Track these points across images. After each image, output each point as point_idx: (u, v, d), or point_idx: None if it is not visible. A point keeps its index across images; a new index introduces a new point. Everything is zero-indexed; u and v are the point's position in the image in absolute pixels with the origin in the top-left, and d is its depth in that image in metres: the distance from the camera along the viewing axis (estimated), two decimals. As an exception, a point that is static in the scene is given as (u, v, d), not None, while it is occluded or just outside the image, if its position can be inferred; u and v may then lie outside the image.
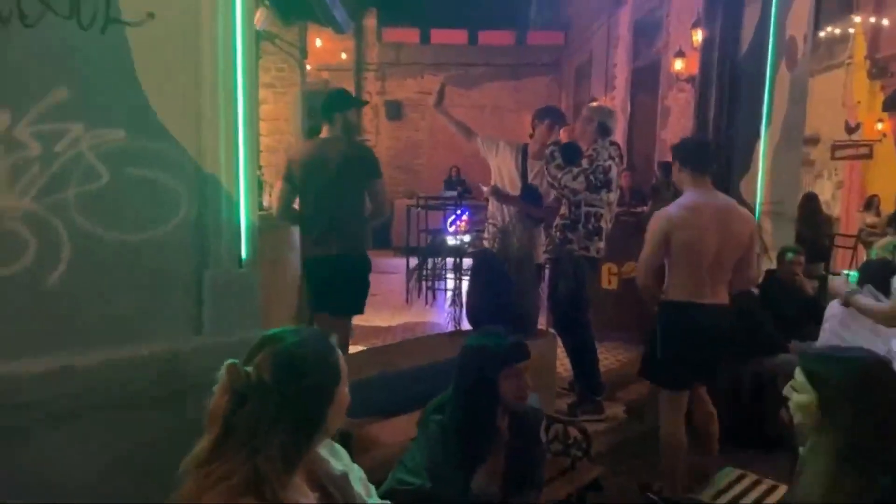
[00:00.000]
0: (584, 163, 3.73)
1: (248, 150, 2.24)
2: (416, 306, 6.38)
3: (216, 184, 2.16)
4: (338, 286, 3.39)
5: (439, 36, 12.89)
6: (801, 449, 1.62)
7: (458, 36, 12.91)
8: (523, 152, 4.13)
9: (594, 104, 4.12)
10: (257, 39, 6.69)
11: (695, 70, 5.81)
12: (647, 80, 8.61)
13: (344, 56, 12.01)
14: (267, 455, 1.20)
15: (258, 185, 4.10)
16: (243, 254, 2.23)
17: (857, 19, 10.41)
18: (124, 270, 2.06)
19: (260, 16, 6.04)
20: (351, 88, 12.34)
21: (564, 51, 13.15)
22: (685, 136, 6.31)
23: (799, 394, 1.49)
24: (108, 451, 1.97)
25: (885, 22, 9.88)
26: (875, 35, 10.29)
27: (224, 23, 2.13)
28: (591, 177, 3.70)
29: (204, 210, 2.15)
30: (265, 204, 4.41)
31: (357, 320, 5.54)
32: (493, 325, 2.21)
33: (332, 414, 1.29)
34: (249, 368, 1.22)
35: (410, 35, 12.81)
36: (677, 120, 7.54)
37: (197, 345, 2.13)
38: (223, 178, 2.17)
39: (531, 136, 4.17)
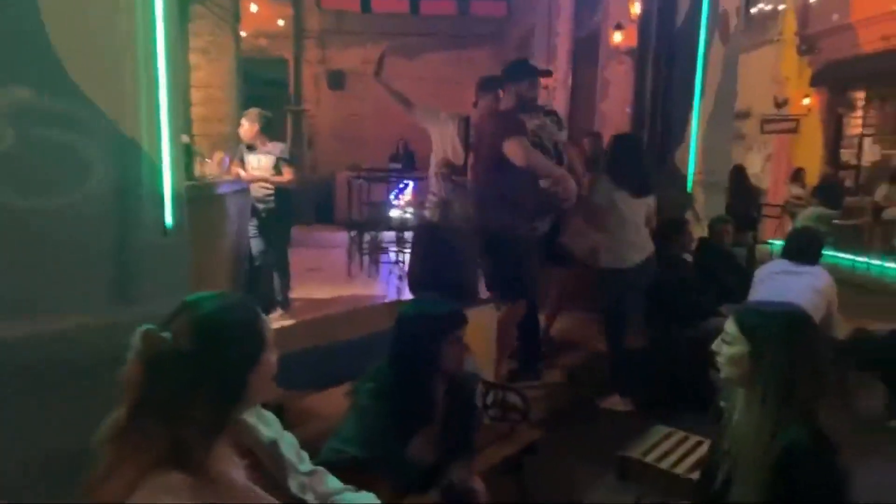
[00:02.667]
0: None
1: (172, 114, 2.14)
2: (358, 279, 6.34)
3: (136, 148, 2.05)
4: None
5: (381, 4, 12.60)
6: (722, 403, 1.69)
7: (400, 4, 12.67)
8: (466, 123, 4.12)
9: None
10: (186, 1, 6.36)
11: (633, 42, 5.88)
12: (588, 51, 8.67)
13: (282, 23, 11.60)
14: (188, 424, 1.16)
15: (189, 154, 3.95)
16: (168, 221, 2.14)
17: (787, -4, 10.78)
18: (39, 238, 1.94)
19: (189, -24, 5.74)
20: (289, 56, 11.96)
21: (507, 21, 13.09)
22: (624, 108, 6.41)
23: (730, 346, 1.56)
24: (25, 428, 1.87)
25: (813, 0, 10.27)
26: (804, 12, 10.68)
27: (140, -25, 2.00)
28: None
29: (124, 175, 2.05)
30: (196, 174, 4.25)
31: (297, 294, 5.49)
32: (428, 294, 2.20)
33: (255, 381, 1.25)
34: (166, 334, 1.17)
35: (351, 3, 12.46)
36: (616, 92, 7.64)
37: (122, 315, 2.03)
38: (144, 143, 2.06)
39: (475, 105, 4.15)
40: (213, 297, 1.26)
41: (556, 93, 9.63)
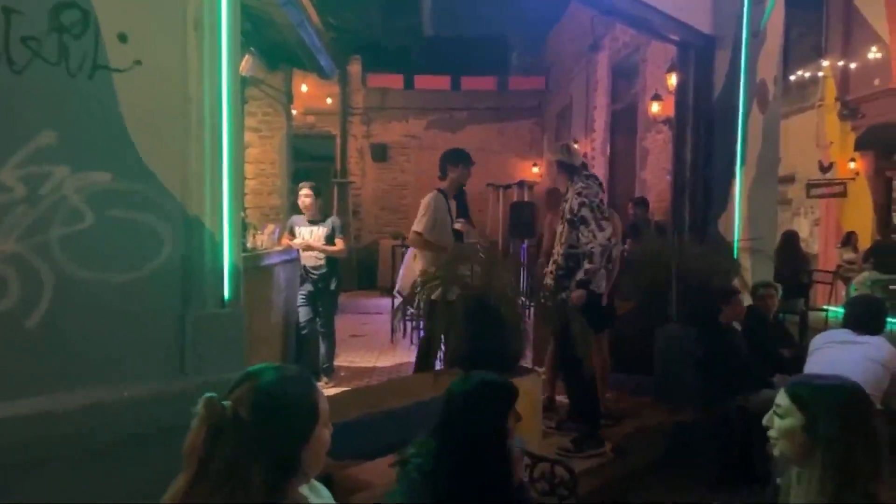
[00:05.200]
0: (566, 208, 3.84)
1: (233, 193, 2.27)
2: (400, 346, 6.37)
3: (200, 225, 2.18)
4: None
5: (423, 81, 13.19)
6: (778, 479, 1.63)
7: (442, 81, 13.22)
8: (445, 197, 4.33)
9: (554, 146, 4.28)
10: (243, 85, 6.80)
11: (671, 112, 5.98)
12: (625, 121, 8.84)
13: (329, 101, 12.22)
14: (246, 492, 1.19)
15: (242, 227, 4.13)
16: (226, 294, 2.24)
17: (826, 63, 10.82)
18: (107, 311, 2.05)
19: (246, 63, 6.16)
20: (336, 132, 12.53)
21: (546, 95, 13.48)
22: (664, 175, 6.46)
23: (783, 419, 1.51)
24: (89, 497, 1.93)
25: (853, 65, 10.28)
26: (844, 78, 10.69)
27: (210, 69, 2.18)
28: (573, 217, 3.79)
29: (188, 251, 2.16)
30: (248, 245, 4.43)
31: (341, 361, 5.54)
32: (478, 370, 2.18)
33: (308, 455, 1.28)
34: (227, 403, 1.22)
35: (394, 81, 13.09)
36: (656, 160, 7.71)
37: (181, 386, 2.11)
38: (207, 220, 2.19)
39: (441, 178, 4.36)
40: (273, 369, 1.31)
41: (594, 161, 9.78)
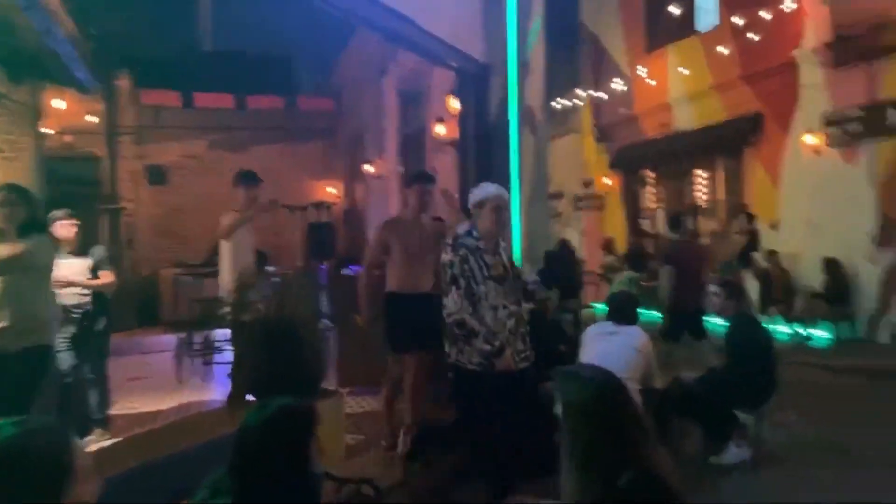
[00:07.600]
0: None
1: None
2: (189, 384, 5.86)
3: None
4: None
5: (204, 100, 12.46)
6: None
7: (224, 100, 12.61)
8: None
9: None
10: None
11: (456, 135, 6.35)
12: (415, 144, 9.20)
13: (93, 119, 10.94)
14: None
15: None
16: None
17: (582, 93, 12.34)
18: None
19: (-21, 71, 5.26)
20: (102, 153, 11.25)
21: (338, 117, 13.53)
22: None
23: (556, 404, 1.65)
24: None
25: (603, 95, 11.85)
26: (596, 106, 12.27)
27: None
28: None
29: None
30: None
31: (118, 409, 4.93)
32: (274, 395, 2.06)
33: None
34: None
35: (171, 98, 12.18)
36: (444, 181, 8.10)
37: None
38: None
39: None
40: (12, 424, 1.12)
41: (389, 183, 10.02)
